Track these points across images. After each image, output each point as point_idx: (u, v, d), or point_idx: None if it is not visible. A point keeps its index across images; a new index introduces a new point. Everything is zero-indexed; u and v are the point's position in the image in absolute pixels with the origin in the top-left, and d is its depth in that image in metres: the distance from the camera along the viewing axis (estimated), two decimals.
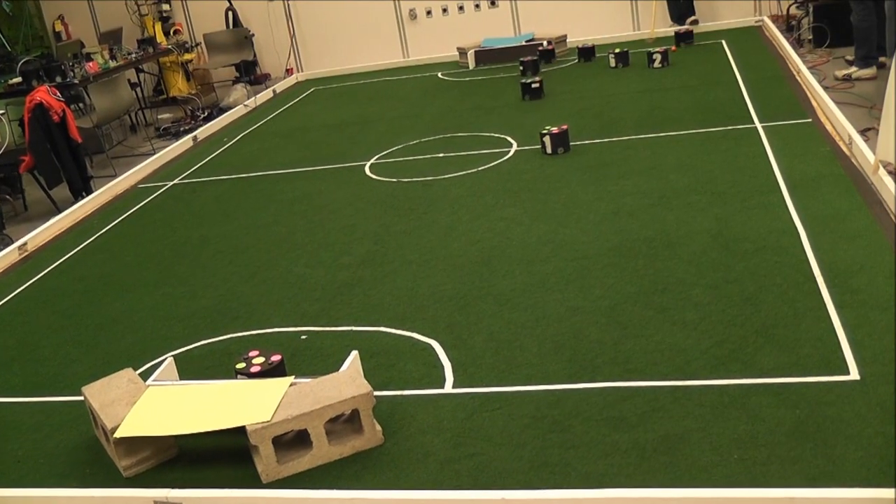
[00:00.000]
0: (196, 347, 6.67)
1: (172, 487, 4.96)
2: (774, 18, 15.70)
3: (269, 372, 5.65)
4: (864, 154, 7.94)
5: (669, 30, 16.45)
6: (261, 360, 5.76)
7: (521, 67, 14.76)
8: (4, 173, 11.97)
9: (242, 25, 18.44)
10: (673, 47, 14.67)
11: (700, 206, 7.76)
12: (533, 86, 12.59)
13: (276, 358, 5.76)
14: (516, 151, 10.30)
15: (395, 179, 9.98)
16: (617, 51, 14.21)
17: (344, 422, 5.14)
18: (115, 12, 18.67)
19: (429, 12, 17.96)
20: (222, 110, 15.82)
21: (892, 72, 6.72)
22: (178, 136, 14.41)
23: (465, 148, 10.71)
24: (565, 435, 4.86)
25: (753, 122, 9.89)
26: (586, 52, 15.13)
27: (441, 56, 17.66)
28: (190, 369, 6.28)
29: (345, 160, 11.21)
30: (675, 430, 4.73)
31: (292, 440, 5.05)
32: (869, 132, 8.52)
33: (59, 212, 10.74)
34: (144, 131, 15.52)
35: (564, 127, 10.14)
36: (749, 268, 6.46)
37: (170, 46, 17.05)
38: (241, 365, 5.75)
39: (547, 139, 10.03)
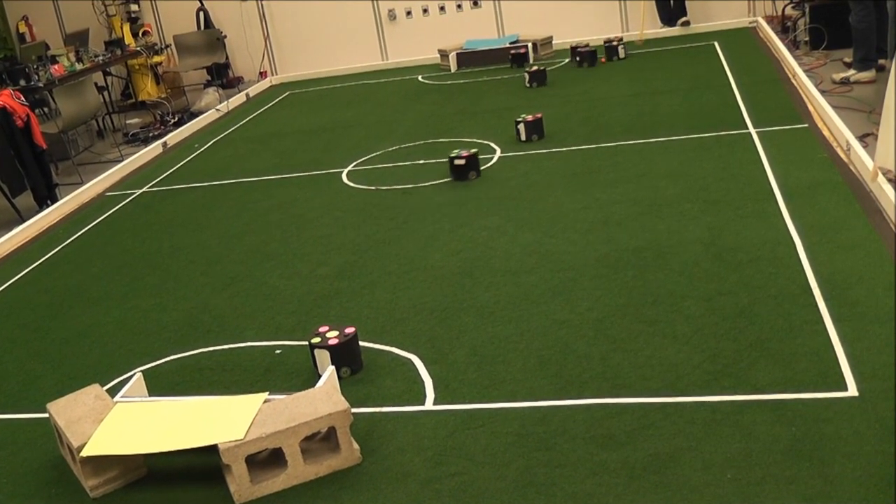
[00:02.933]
0: (166, 362, 6.65)
1: None
2: (769, 19, 15.74)
3: (346, 344, 5.95)
4: (863, 161, 7.96)
5: (660, 31, 16.51)
6: (335, 333, 6.02)
7: (510, 63, 15.07)
8: None
9: (214, 26, 18.42)
10: (602, 58, 15.03)
11: (692, 215, 7.78)
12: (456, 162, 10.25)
13: (349, 330, 6.03)
14: (500, 158, 10.31)
15: (373, 187, 9.98)
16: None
17: (320, 440, 5.14)
18: (81, 13, 18.62)
19: (409, 13, 17.96)
20: (193, 115, 15.81)
21: (892, 75, 6.75)
22: (147, 141, 14.36)
23: (446, 154, 10.71)
24: (551, 453, 4.87)
25: (747, 128, 9.92)
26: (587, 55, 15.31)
27: (421, 58, 17.70)
28: (159, 385, 6.27)
29: (321, 167, 11.22)
30: (666, 449, 4.74)
31: (266, 459, 5.05)
32: (868, 138, 8.53)
33: (23, 221, 10.72)
34: (112, 137, 15.47)
35: (539, 115, 10.80)
36: (743, 279, 6.48)
37: (138, 48, 17.01)
38: (316, 339, 6.02)
39: (521, 126, 10.67)
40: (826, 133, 9.26)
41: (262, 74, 18.76)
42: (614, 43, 15.11)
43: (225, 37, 18.26)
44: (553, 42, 16.61)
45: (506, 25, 17.56)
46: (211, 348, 6.77)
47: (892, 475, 4.24)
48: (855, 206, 7.43)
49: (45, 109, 14.23)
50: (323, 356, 5.96)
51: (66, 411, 5.43)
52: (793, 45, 13.46)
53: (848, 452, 4.47)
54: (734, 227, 7.41)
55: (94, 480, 5.12)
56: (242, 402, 5.27)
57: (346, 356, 5.98)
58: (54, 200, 11.42)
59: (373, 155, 11.39)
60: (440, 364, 6.00)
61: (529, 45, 16.02)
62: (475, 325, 6.45)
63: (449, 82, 15.41)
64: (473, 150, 9.72)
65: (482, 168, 9.94)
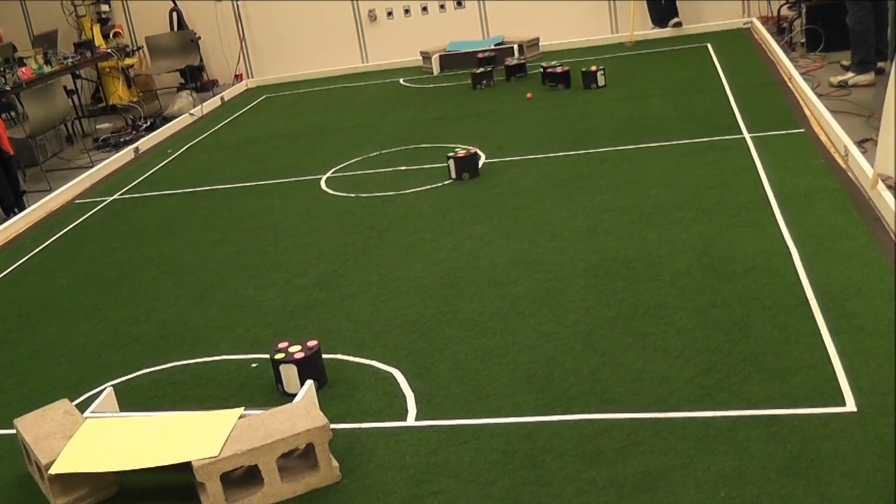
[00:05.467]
0: (138, 376, 6.64)
1: None
2: (764, 20, 15.78)
3: (311, 357, 5.95)
4: (862, 167, 7.98)
5: (651, 32, 16.54)
6: (297, 348, 6.03)
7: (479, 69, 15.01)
8: None
9: (188, 28, 18.41)
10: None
11: (684, 224, 7.79)
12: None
13: (312, 343, 6.05)
14: (484, 164, 10.31)
15: (353, 194, 9.98)
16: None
17: (298, 457, 5.13)
18: (49, 13, 18.55)
19: (389, 13, 17.97)
20: (166, 119, 15.81)
21: (892, 78, 6.76)
22: (118, 147, 14.35)
23: (428, 160, 10.73)
24: (538, 471, 4.86)
25: (741, 133, 9.95)
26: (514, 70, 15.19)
27: (403, 61, 17.72)
28: (131, 400, 6.25)
29: (299, 173, 11.22)
30: (657, 466, 4.74)
31: (242, 477, 5.04)
32: (867, 143, 8.55)
33: None
34: (82, 142, 15.43)
35: (473, 150, 10.18)
36: (737, 290, 6.49)
37: (109, 50, 16.96)
38: (280, 355, 6.01)
39: (452, 163, 9.99)
40: (823, 138, 9.28)
41: (238, 77, 18.75)
42: (592, 69, 13.55)
43: (199, 38, 18.26)
44: (540, 44, 16.65)
45: (491, 26, 17.59)
46: (184, 362, 6.76)
47: (893, 493, 4.25)
48: (853, 214, 7.44)
49: (12, 114, 14.16)
50: (290, 371, 5.96)
51: (34, 427, 5.41)
52: (789, 47, 13.50)
53: (846, 470, 4.47)
54: (728, 236, 7.42)
55: (64, 499, 5.10)
56: (217, 417, 5.27)
57: (312, 370, 5.98)
58: (21, 208, 11.39)
59: (352, 161, 11.38)
60: (422, 378, 6.00)
61: (515, 46, 16.05)
62: (459, 338, 6.45)
63: (431, 86, 15.42)
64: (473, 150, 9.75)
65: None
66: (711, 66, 13.48)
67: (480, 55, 15.87)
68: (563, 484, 4.71)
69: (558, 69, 13.82)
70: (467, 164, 9.97)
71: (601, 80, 13.39)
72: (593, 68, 13.51)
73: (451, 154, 10.02)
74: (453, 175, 10.00)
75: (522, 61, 14.90)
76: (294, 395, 5.76)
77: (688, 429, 5.00)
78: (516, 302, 6.87)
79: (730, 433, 4.91)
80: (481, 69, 14.72)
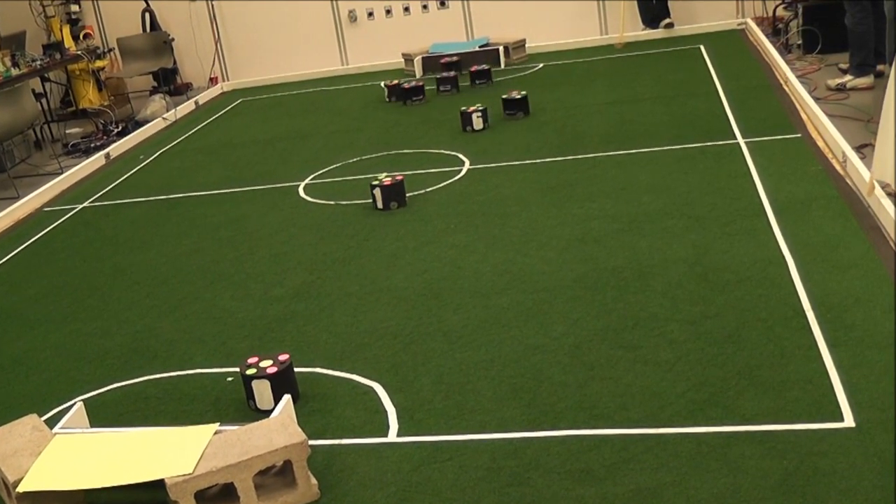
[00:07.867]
0: (109, 391, 6.62)
1: None
2: (759, 21, 15.80)
3: (283, 372, 5.95)
4: (860, 173, 7.99)
5: (642, 33, 16.55)
6: (268, 362, 6.04)
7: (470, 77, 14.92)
8: None
9: (161, 29, 18.36)
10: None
11: (676, 232, 7.80)
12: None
13: (283, 357, 6.04)
14: (469, 170, 10.32)
15: (332, 202, 9.98)
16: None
17: (275, 474, 5.13)
18: (17, 14, 18.43)
19: (370, 14, 17.95)
20: (138, 124, 15.77)
21: (891, 81, 6.77)
22: (88, 153, 14.31)
23: (411, 166, 10.72)
24: (524, 489, 4.86)
25: (736, 138, 9.97)
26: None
27: (384, 63, 17.71)
28: (102, 415, 6.24)
29: (276, 180, 11.21)
30: (648, 484, 4.74)
31: (217, 495, 5.03)
32: (865, 149, 8.55)
33: None
34: (51, 148, 15.40)
35: (399, 177, 9.68)
36: (731, 301, 6.49)
37: (79, 52, 16.91)
38: (251, 371, 6.00)
39: (377, 192, 9.58)
40: (821, 143, 9.30)
41: (213, 80, 18.72)
42: (469, 110, 12.25)
43: (172, 40, 18.20)
44: (526, 45, 16.66)
45: (475, 27, 17.58)
46: (157, 375, 6.75)
47: None
48: (851, 222, 7.45)
49: None
50: (262, 387, 5.95)
51: (2, 444, 5.40)
52: (784, 49, 13.51)
53: (844, 488, 4.48)
54: (721, 244, 7.43)
55: None
56: (191, 433, 5.26)
57: (286, 385, 5.98)
58: None
59: (332, 167, 11.39)
60: (404, 393, 5.99)
61: (501, 48, 16.07)
62: (442, 351, 6.45)
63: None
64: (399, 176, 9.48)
65: (447, 182, 9.97)
66: (704, 69, 13.50)
67: (444, 60, 15.90)
68: (551, 502, 4.71)
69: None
70: (394, 193, 9.55)
71: (478, 124, 12.17)
72: (470, 109, 12.26)
73: (375, 182, 9.58)
74: (380, 205, 9.55)
75: (421, 84, 14.65)
76: (266, 412, 5.77)
77: (680, 445, 5.00)
78: (502, 313, 6.87)
79: (723, 450, 4.91)
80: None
